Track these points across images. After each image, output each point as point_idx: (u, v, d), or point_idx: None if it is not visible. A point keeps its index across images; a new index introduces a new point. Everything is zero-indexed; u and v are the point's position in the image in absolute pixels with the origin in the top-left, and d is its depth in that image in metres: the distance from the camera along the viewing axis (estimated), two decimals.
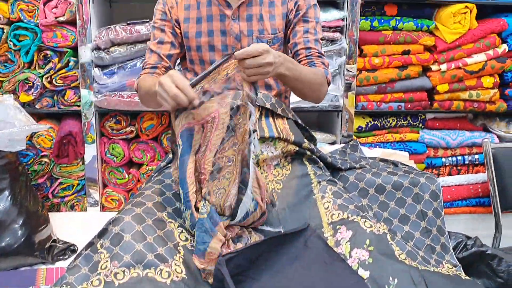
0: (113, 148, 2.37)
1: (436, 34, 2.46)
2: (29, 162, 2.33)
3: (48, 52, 2.26)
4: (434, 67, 2.45)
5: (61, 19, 2.21)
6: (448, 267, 1.42)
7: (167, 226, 1.29)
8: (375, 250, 1.28)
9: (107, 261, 1.18)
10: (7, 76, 2.27)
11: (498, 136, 2.59)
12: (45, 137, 2.32)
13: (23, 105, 2.28)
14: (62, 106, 2.33)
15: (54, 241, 2.06)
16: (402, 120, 2.53)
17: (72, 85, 2.30)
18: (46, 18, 2.20)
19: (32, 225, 1.97)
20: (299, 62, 1.62)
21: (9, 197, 1.97)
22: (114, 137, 2.38)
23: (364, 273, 1.24)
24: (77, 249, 2.06)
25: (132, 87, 2.25)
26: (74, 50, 2.28)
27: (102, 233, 1.24)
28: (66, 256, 2.03)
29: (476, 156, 2.61)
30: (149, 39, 2.21)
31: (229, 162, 1.32)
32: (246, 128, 1.30)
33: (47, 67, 2.26)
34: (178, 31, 1.66)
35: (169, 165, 1.56)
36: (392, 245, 1.31)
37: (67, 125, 2.31)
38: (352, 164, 1.69)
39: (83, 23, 2.22)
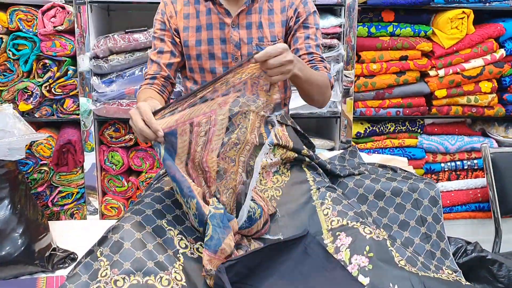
0: (112, 156, 2.38)
1: (434, 40, 2.47)
2: (29, 171, 2.33)
3: (47, 61, 2.26)
4: (432, 73, 2.46)
5: (60, 28, 2.22)
6: (448, 272, 1.42)
7: (167, 234, 1.29)
8: (375, 256, 1.28)
9: (107, 269, 1.18)
10: (6, 85, 2.28)
11: (497, 141, 2.59)
12: (45, 146, 2.32)
13: (23, 114, 2.29)
14: (61, 115, 2.33)
15: (54, 249, 2.06)
16: (401, 126, 2.54)
17: (71, 93, 2.30)
18: (44, 27, 2.21)
19: (32, 234, 1.97)
20: None
21: (9, 206, 1.96)
22: (113, 145, 2.38)
23: (364, 280, 1.24)
24: (77, 257, 2.06)
25: (131, 95, 2.26)
26: (73, 59, 2.29)
27: (101, 241, 1.24)
28: (66, 265, 2.03)
29: (475, 161, 2.61)
30: (147, 48, 2.24)
31: (232, 162, 1.34)
32: (248, 137, 1.31)
33: (46, 76, 2.27)
34: (177, 40, 1.66)
35: None
36: (392, 251, 1.31)
37: (66, 134, 2.31)
38: (351, 170, 1.69)
39: (82, 32, 2.23)
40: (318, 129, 2.81)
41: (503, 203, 2.16)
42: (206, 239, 1.24)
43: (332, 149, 2.48)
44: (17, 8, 2.22)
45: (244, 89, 1.34)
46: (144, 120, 1.24)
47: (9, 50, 2.23)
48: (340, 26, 2.36)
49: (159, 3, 1.70)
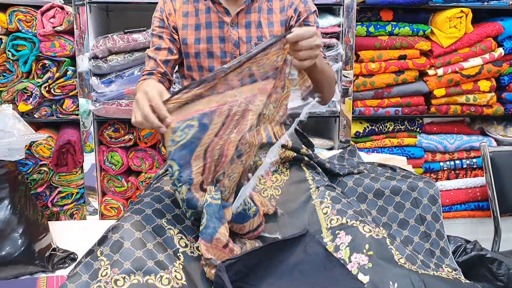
0: (111, 156, 2.38)
1: (432, 39, 2.47)
2: (28, 171, 2.34)
3: (46, 61, 2.27)
4: (430, 72, 2.46)
5: (59, 28, 2.22)
6: (448, 271, 1.43)
7: (167, 233, 1.29)
8: (374, 254, 1.28)
9: (107, 268, 1.18)
10: (6, 86, 2.28)
11: (496, 140, 2.59)
12: (44, 146, 2.33)
13: (22, 114, 2.29)
14: (60, 115, 2.34)
15: (54, 249, 2.06)
16: (400, 125, 2.54)
17: (70, 94, 2.31)
18: (44, 28, 2.21)
19: (32, 234, 1.97)
20: None
21: (9, 206, 1.97)
22: (112, 145, 2.39)
23: (364, 278, 1.25)
24: (77, 257, 2.06)
25: (130, 95, 2.26)
26: (72, 59, 2.29)
27: (102, 241, 1.24)
28: (66, 265, 2.03)
29: (474, 160, 2.61)
30: (146, 48, 2.25)
31: (249, 149, 1.31)
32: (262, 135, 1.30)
33: (45, 76, 2.27)
34: (176, 37, 1.66)
35: (167, 172, 1.56)
36: (391, 249, 1.32)
37: (66, 134, 2.31)
38: (350, 169, 1.70)
39: (81, 32, 2.24)
40: (317, 128, 2.81)
41: (502, 202, 2.16)
42: (201, 228, 1.22)
43: (331, 149, 2.48)
44: (16, 9, 2.22)
45: (277, 78, 1.30)
46: (151, 106, 1.17)
47: (9, 50, 2.23)
48: (338, 25, 2.37)
49: (157, 3, 1.70)
